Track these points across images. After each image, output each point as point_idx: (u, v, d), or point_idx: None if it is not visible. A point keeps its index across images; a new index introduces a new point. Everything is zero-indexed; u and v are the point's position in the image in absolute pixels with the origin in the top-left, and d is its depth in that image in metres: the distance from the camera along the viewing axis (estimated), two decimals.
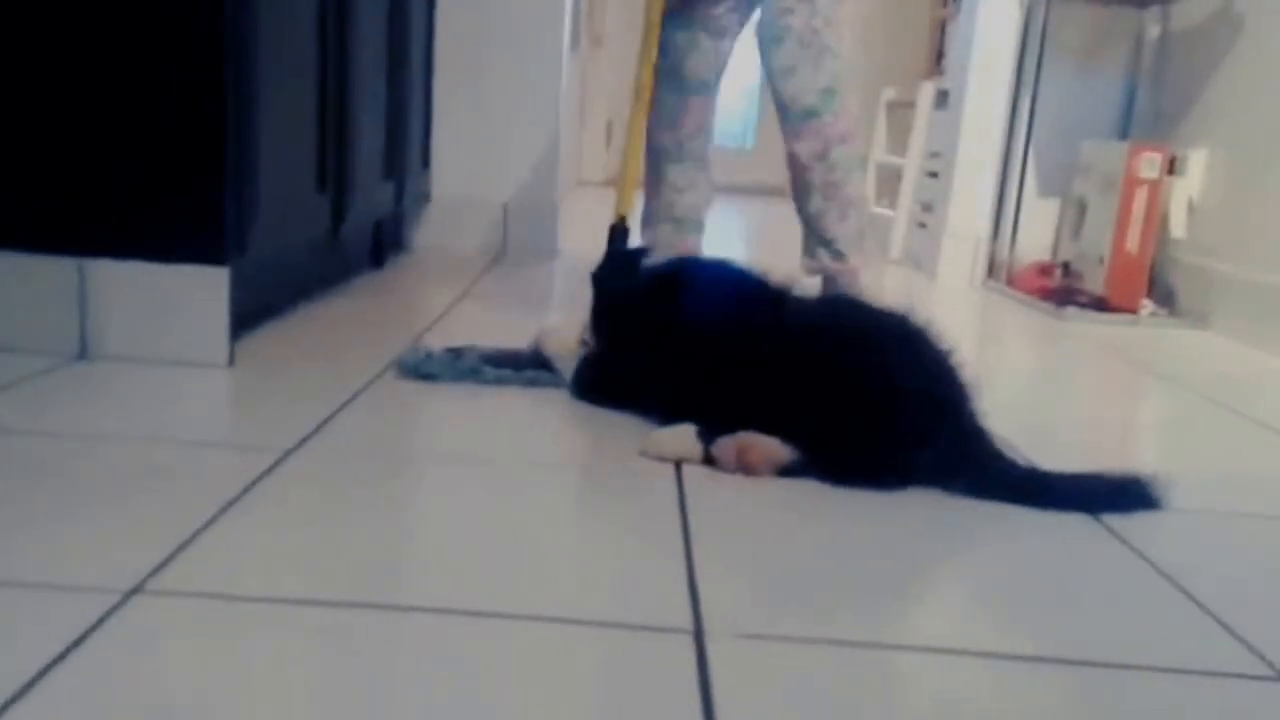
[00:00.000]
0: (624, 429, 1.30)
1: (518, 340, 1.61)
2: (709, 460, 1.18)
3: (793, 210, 2.07)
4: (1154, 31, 2.85)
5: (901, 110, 3.77)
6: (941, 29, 4.33)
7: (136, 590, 0.80)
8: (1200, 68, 2.63)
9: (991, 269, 3.02)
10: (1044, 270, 2.83)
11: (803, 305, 1.34)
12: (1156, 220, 2.57)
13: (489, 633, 0.78)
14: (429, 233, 2.81)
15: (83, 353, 1.44)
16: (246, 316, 1.56)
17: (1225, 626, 0.88)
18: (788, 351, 1.21)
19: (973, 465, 1.16)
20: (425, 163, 2.73)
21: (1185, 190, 2.58)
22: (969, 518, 1.11)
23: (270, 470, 1.07)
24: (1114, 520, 1.11)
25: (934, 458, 1.14)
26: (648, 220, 2.15)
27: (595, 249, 1.75)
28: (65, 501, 0.96)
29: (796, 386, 1.18)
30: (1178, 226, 2.60)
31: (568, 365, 1.49)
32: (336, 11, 1.84)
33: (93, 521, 0.92)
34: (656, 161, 2.13)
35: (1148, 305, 2.58)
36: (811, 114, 1.95)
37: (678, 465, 1.18)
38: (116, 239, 1.42)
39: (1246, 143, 2.44)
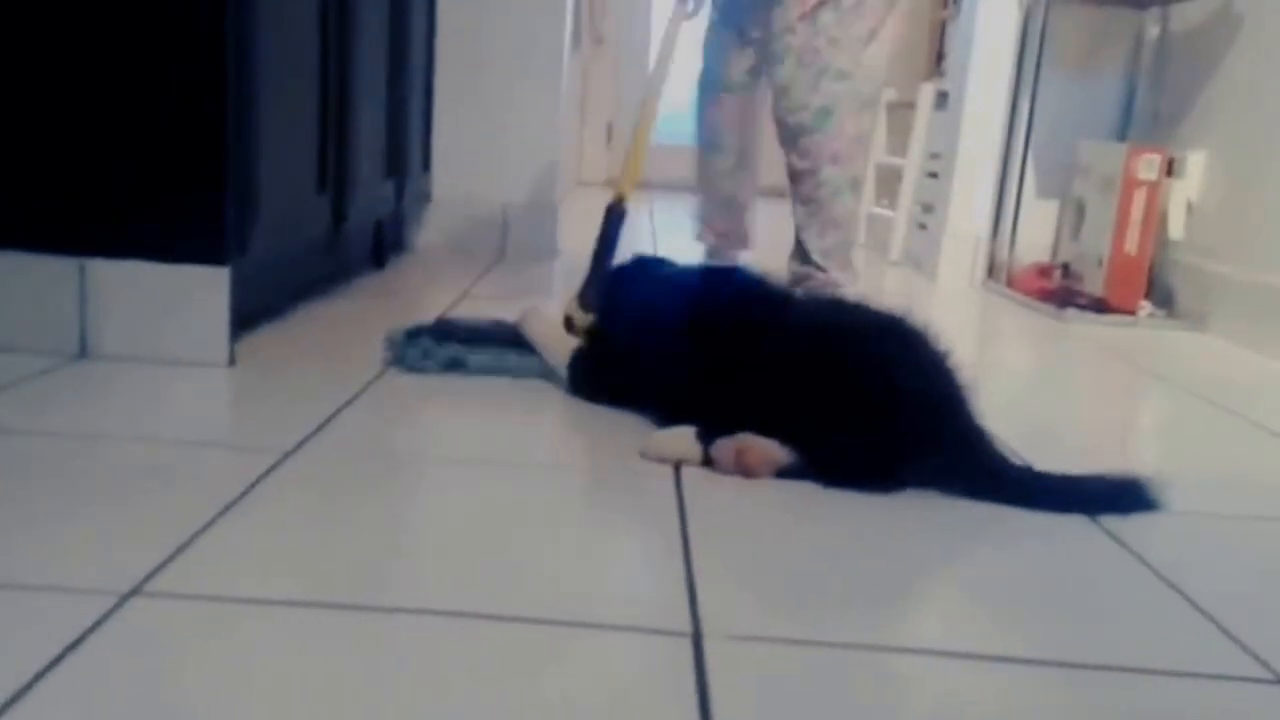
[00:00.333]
0: (623, 430, 1.31)
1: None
2: (708, 462, 1.18)
3: (787, 211, 2.11)
4: (1153, 33, 2.85)
5: (902, 111, 3.77)
6: (941, 30, 4.33)
7: (135, 592, 0.80)
8: (1199, 69, 2.63)
9: (991, 270, 3.02)
10: (1043, 271, 2.83)
11: (802, 306, 1.34)
12: (1155, 222, 2.57)
13: (487, 635, 0.78)
14: (429, 233, 2.81)
15: (82, 352, 1.44)
16: (247, 316, 1.56)
17: (1223, 629, 0.88)
18: (785, 352, 1.21)
19: (971, 467, 1.16)
20: (426, 163, 2.73)
21: (1184, 192, 2.58)
22: (968, 520, 1.11)
23: (270, 471, 1.07)
24: (1112, 522, 1.11)
25: (932, 459, 1.15)
26: (701, 213, 2.40)
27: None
28: (64, 502, 0.96)
29: (794, 387, 1.18)
30: (1176, 228, 2.60)
31: (550, 351, 1.49)
32: (337, 11, 1.85)
33: (92, 522, 0.92)
34: (701, 157, 2.34)
35: (1146, 306, 2.58)
36: (805, 131, 1.98)
37: (676, 467, 1.18)
38: (117, 238, 1.42)
39: (1245, 144, 2.44)
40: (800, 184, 2.03)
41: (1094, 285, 2.65)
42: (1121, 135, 2.89)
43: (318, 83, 1.77)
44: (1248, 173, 2.42)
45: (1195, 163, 2.57)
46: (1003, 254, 2.98)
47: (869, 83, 2.01)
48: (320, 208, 1.85)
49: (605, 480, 1.17)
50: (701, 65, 2.28)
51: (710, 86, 2.27)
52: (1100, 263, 2.63)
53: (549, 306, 1.60)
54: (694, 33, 2.27)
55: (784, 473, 1.15)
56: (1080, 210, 2.79)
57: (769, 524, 1.06)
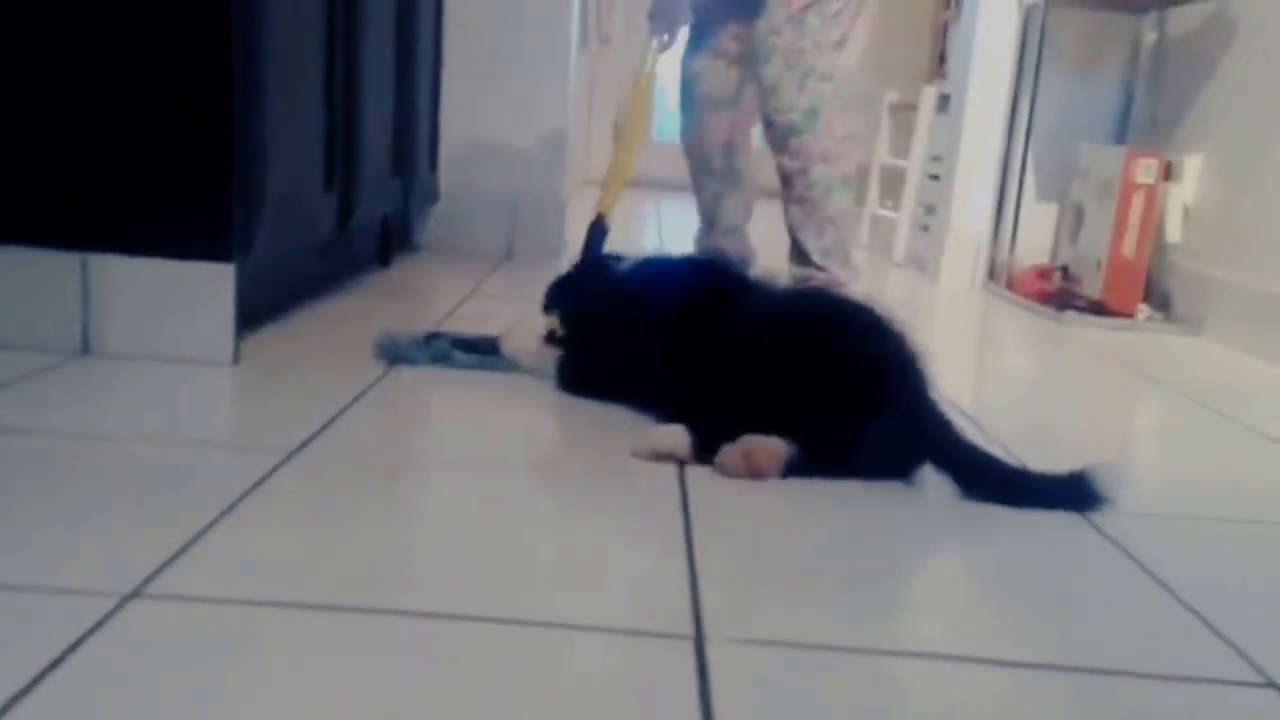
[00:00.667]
0: (624, 430, 1.31)
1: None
2: (702, 460, 1.18)
3: (779, 213, 2.12)
4: (1150, 38, 2.86)
5: (904, 113, 3.78)
6: (943, 32, 4.33)
7: (136, 593, 0.79)
8: (1196, 74, 2.63)
9: (992, 272, 3.03)
10: (1043, 274, 2.83)
11: (756, 294, 1.38)
12: (1153, 225, 2.58)
13: (489, 637, 0.78)
14: (437, 231, 2.81)
15: (85, 349, 1.44)
16: (251, 314, 1.56)
17: (1216, 632, 0.89)
18: (738, 338, 1.25)
19: (930, 440, 1.18)
20: (433, 161, 2.74)
21: (1181, 196, 2.59)
22: (970, 520, 1.12)
23: (274, 471, 1.07)
24: (1110, 524, 1.12)
25: (887, 424, 1.16)
26: (699, 238, 2.40)
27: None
28: (65, 502, 0.96)
29: (750, 374, 1.21)
30: (1173, 232, 2.61)
31: (534, 364, 1.52)
32: (344, 7, 1.85)
33: (93, 522, 0.92)
34: (693, 176, 2.34)
35: (1144, 310, 2.59)
36: (793, 131, 2.00)
37: (680, 466, 1.19)
38: (121, 235, 1.42)
39: (1242, 149, 2.44)
40: (792, 185, 2.05)
41: (1093, 288, 2.66)
42: (1120, 139, 2.90)
43: (324, 80, 1.78)
44: (1244, 177, 2.43)
45: (1192, 167, 2.58)
46: (1003, 256, 2.99)
47: (847, 85, 2.05)
48: (326, 206, 1.85)
49: (610, 481, 1.17)
50: (681, 90, 2.28)
51: (693, 107, 2.27)
52: (1099, 266, 2.64)
53: (516, 314, 1.62)
54: (671, 63, 2.32)
55: (790, 467, 1.16)
56: (1079, 213, 2.80)
57: (772, 524, 1.06)
